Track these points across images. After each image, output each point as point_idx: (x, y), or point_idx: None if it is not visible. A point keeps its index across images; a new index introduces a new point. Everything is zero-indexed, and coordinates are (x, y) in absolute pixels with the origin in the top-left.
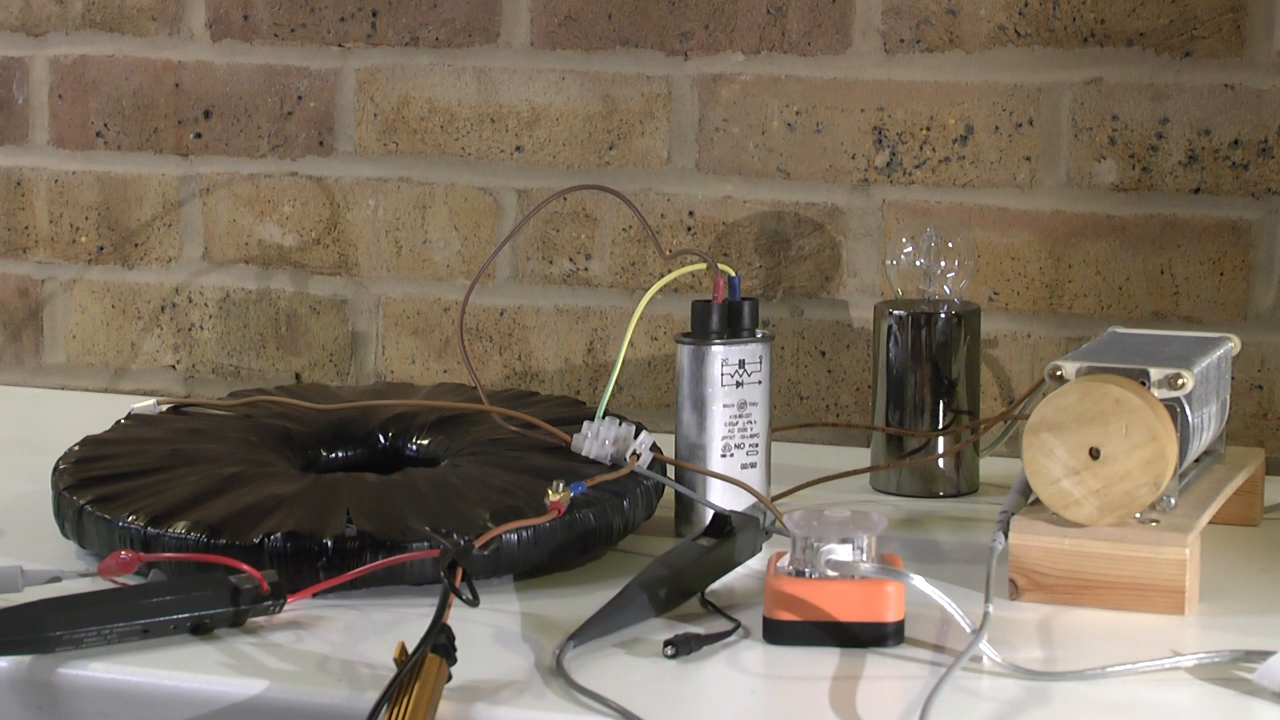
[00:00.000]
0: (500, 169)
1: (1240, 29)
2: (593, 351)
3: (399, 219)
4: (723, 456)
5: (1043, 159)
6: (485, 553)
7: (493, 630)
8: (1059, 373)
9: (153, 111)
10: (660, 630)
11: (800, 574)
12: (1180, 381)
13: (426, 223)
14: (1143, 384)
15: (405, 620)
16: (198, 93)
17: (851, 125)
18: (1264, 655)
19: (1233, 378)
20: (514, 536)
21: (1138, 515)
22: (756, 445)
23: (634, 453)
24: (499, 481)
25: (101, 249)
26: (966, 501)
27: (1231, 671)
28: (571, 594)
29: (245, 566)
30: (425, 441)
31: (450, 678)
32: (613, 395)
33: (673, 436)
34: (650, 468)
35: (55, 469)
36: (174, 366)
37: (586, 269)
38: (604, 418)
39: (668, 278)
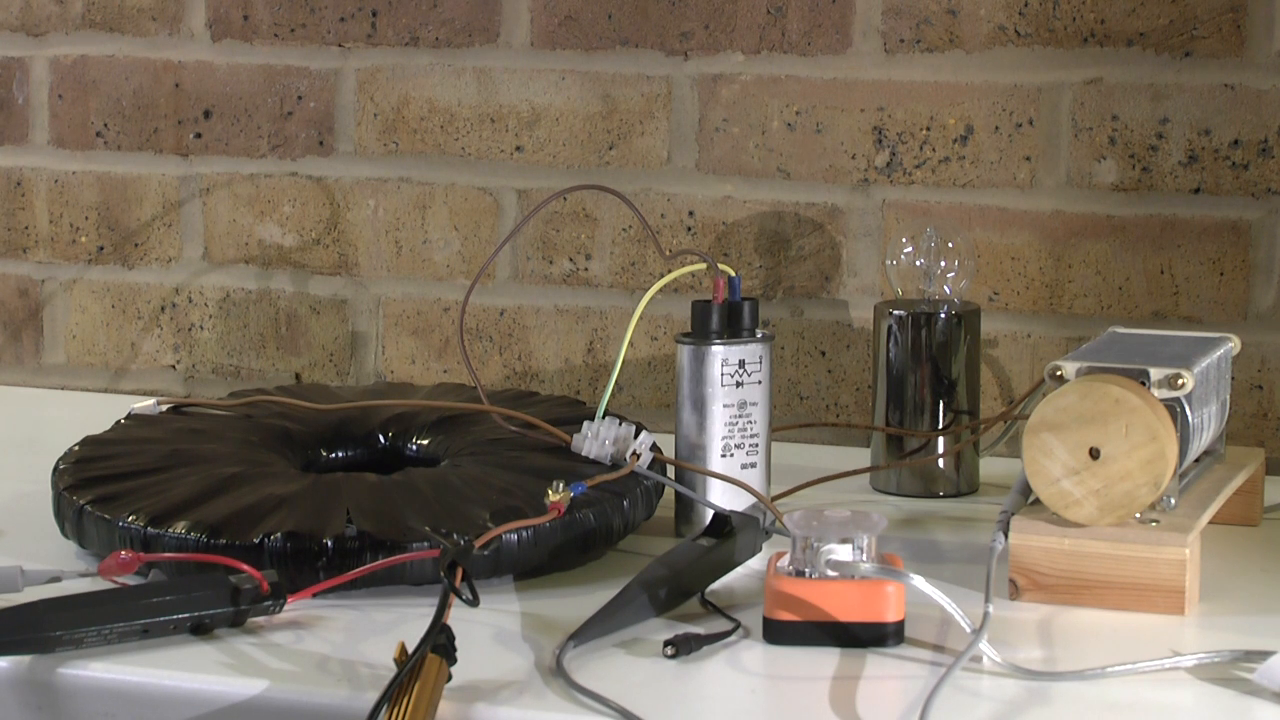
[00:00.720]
0: (500, 169)
1: (1240, 29)
2: (593, 351)
3: (399, 219)
4: (723, 456)
5: (1043, 159)
6: (485, 553)
7: (493, 630)
8: (1059, 373)
9: (153, 111)
10: (660, 630)
11: (800, 574)
12: (1180, 381)
13: (426, 223)
14: (1143, 384)
15: (405, 620)
16: (198, 93)
17: (851, 125)
18: (1264, 655)
19: (1233, 378)
20: (514, 536)
21: (1138, 515)
22: (756, 445)
23: (634, 453)
24: (499, 481)
25: (101, 249)
26: (966, 501)
27: (1231, 671)
28: (571, 594)
29: (245, 566)
30: (425, 441)
31: (450, 678)
32: (613, 395)
33: (673, 436)
34: (650, 468)
35: (55, 469)
36: (174, 366)
37: (586, 269)
38: (604, 418)
39: (668, 278)
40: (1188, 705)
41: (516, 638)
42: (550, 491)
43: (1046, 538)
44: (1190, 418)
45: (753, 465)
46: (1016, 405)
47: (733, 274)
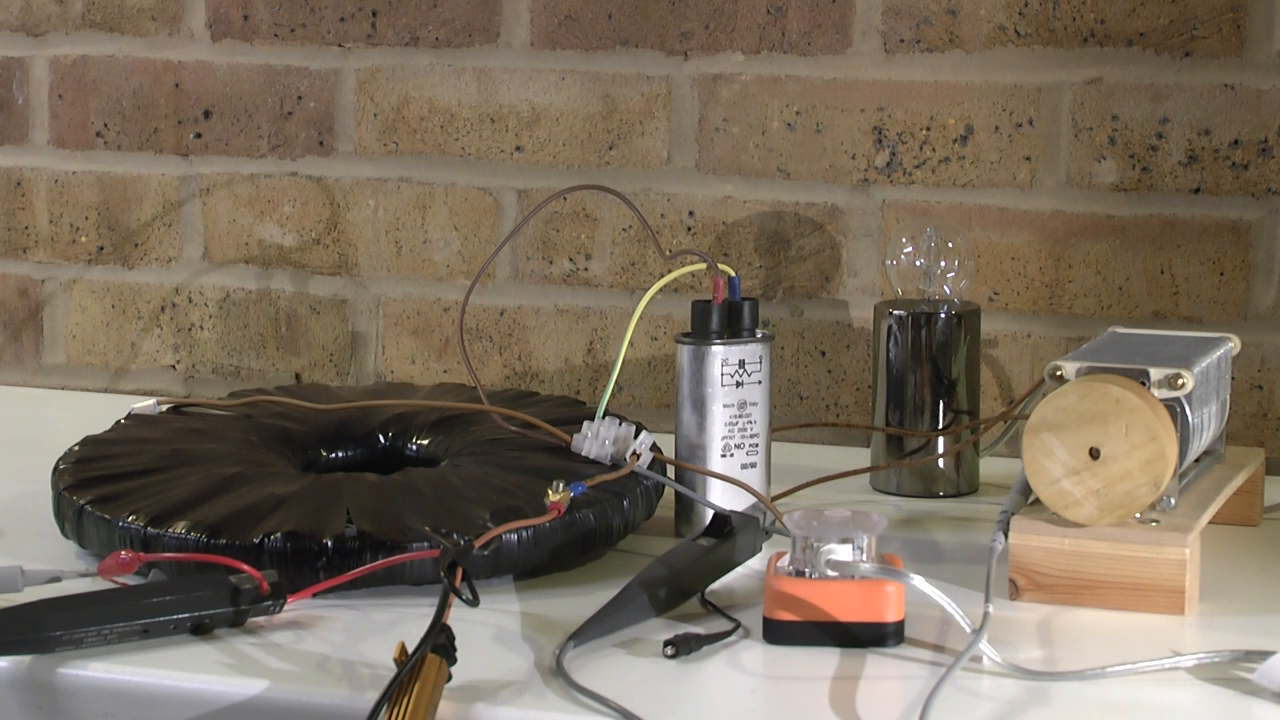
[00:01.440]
0: (500, 169)
1: (1240, 29)
2: (593, 351)
3: (399, 219)
4: (723, 456)
5: (1043, 159)
6: (485, 553)
7: (493, 630)
8: (1059, 373)
9: (153, 111)
10: (660, 630)
11: (800, 574)
12: (1180, 381)
13: (426, 223)
14: (1143, 384)
15: (405, 620)
16: (198, 93)
17: (851, 125)
18: (1264, 655)
19: (1233, 378)
20: (514, 536)
21: (1138, 515)
22: (756, 445)
23: (634, 453)
24: (499, 481)
25: (101, 249)
26: (966, 501)
27: (1231, 671)
28: (571, 594)
29: (245, 566)
30: (425, 441)
31: (450, 678)
32: (613, 395)
33: (673, 436)
34: (650, 468)
35: (55, 469)
36: (174, 366)
37: (586, 269)
38: (604, 418)
39: (668, 278)
40: (1188, 705)
41: (516, 638)
42: (550, 491)
43: (1046, 538)
44: (1190, 418)
45: (753, 465)
46: (1016, 405)
47: (733, 274)
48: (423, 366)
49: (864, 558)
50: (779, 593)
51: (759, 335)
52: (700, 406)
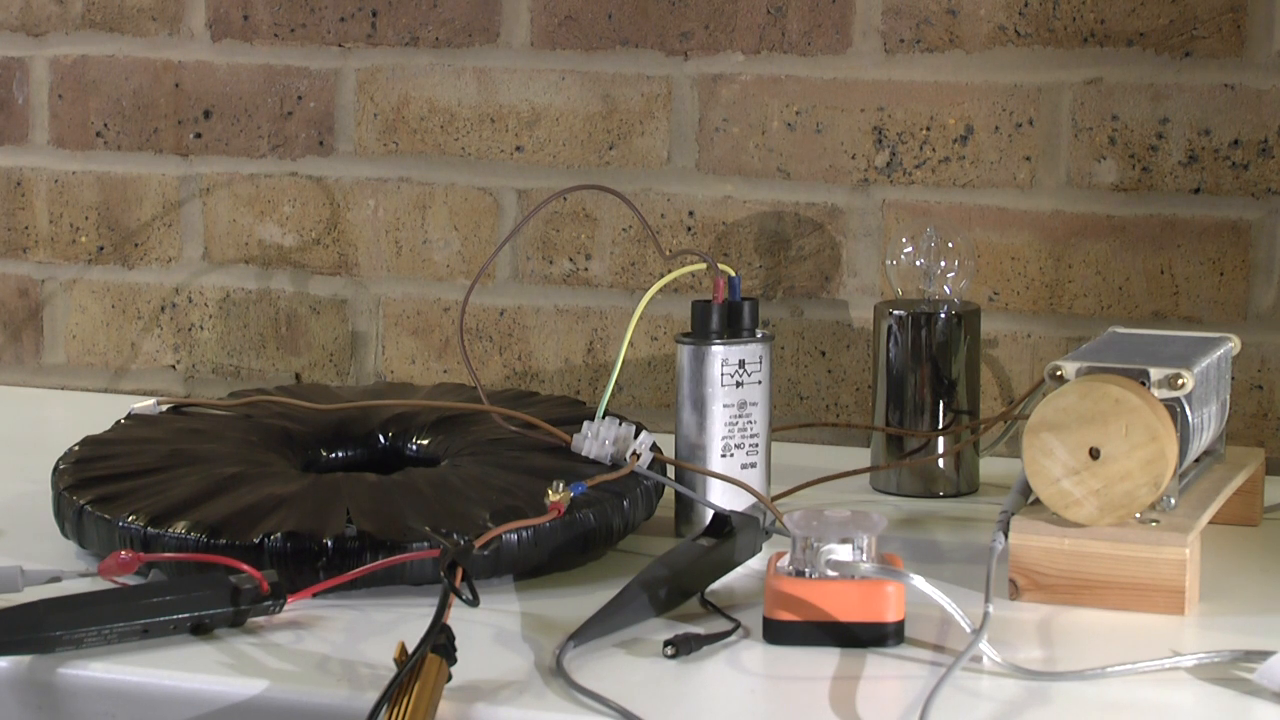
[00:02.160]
0: (500, 169)
1: (1240, 29)
2: (593, 351)
3: (399, 219)
4: (723, 456)
5: (1043, 159)
6: (485, 553)
7: (493, 630)
8: (1059, 373)
9: (153, 111)
10: (660, 630)
11: (800, 574)
12: (1180, 381)
13: (426, 223)
14: (1143, 384)
15: (405, 620)
16: (198, 93)
17: (851, 125)
18: (1264, 655)
19: (1233, 378)
20: (514, 536)
21: (1138, 515)
22: (756, 445)
23: (634, 453)
24: (499, 481)
25: (101, 249)
26: (966, 501)
27: (1231, 671)
28: (571, 594)
29: (245, 566)
30: (425, 441)
31: (450, 678)
32: (613, 395)
33: (673, 436)
34: (650, 468)
35: (55, 469)
36: (174, 366)
37: (586, 269)
38: (604, 418)
39: (668, 278)
40: (1188, 705)
41: (516, 638)
42: (550, 491)
43: (1046, 538)
44: (1190, 418)
45: (753, 465)
46: (1016, 405)
47: (733, 274)
48: (423, 366)
49: (864, 558)
50: (779, 593)
51: (759, 335)
52: (700, 406)
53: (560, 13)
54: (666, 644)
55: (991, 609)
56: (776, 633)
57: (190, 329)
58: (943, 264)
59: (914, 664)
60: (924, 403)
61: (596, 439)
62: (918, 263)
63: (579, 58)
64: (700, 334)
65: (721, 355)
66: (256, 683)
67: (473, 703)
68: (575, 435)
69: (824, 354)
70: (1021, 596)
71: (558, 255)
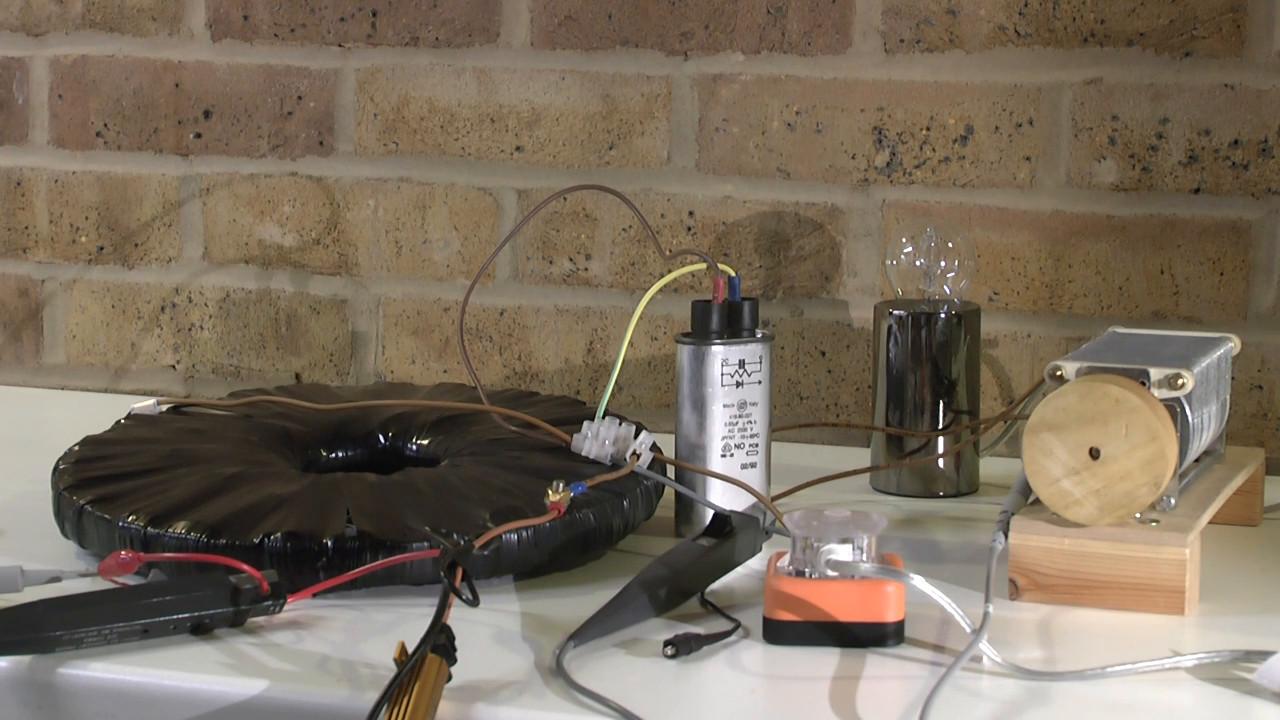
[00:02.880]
0: (500, 169)
1: (1240, 29)
2: (593, 351)
3: (399, 219)
4: (723, 456)
5: (1043, 159)
6: (485, 553)
7: (493, 630)
8: (1059, 373)
9: (153, 111)
10: (660, 630)
11: (800, 574)
12: (1180, 381)
13: (426, 223)
14: (1143, 384)
15: (405, 620)
16: (198, 93)
17: (851, 125)
18: (1264, 655)
19: (1233, 378)
20: (514, 536)
21: (1138, 515)
22: (756, 445)
23: (634, 453)
24: (499, 481)
25: (101, 249)
26: (966, 501)
27: (1231, 671)
28: (571, 594)
29: (245, 566)
30: (425, 441)
31: (450, 678)
32: (613, 395)
33: (673, 436)
34: (650, 468)
35: (55, 469)
36: (174, 366)
37: (586, 269)
38: (604, 418)
39: (668, 278)
40: (1188, 705)
41: (516, 638)
42: (550, 491)
43: (1046, 538)
44: (1190, 418)
45: (753, 465)
46: (1016, 405)
47: (733, 274)
48: (423, 366)
49: (864, 558)
50: (779, 593)
51: (759, 335)
52: (700, 406)
53: (560, 13)
54: (666, 644)
55: (991, 609)
56: (776, 633)
57: (190, 329)
58: (943, 264)
59: (914, 664)
60: (924, 403)
61: (596, 439)
62: (918, 263)
63: (579, 58)
64: (700, 334)
65: (721, 355)
66: (256, 683)
67: (473, 703)
68: (575, 435)
69: (824, 354)
70: (1021, 596)
71: (558, 255)
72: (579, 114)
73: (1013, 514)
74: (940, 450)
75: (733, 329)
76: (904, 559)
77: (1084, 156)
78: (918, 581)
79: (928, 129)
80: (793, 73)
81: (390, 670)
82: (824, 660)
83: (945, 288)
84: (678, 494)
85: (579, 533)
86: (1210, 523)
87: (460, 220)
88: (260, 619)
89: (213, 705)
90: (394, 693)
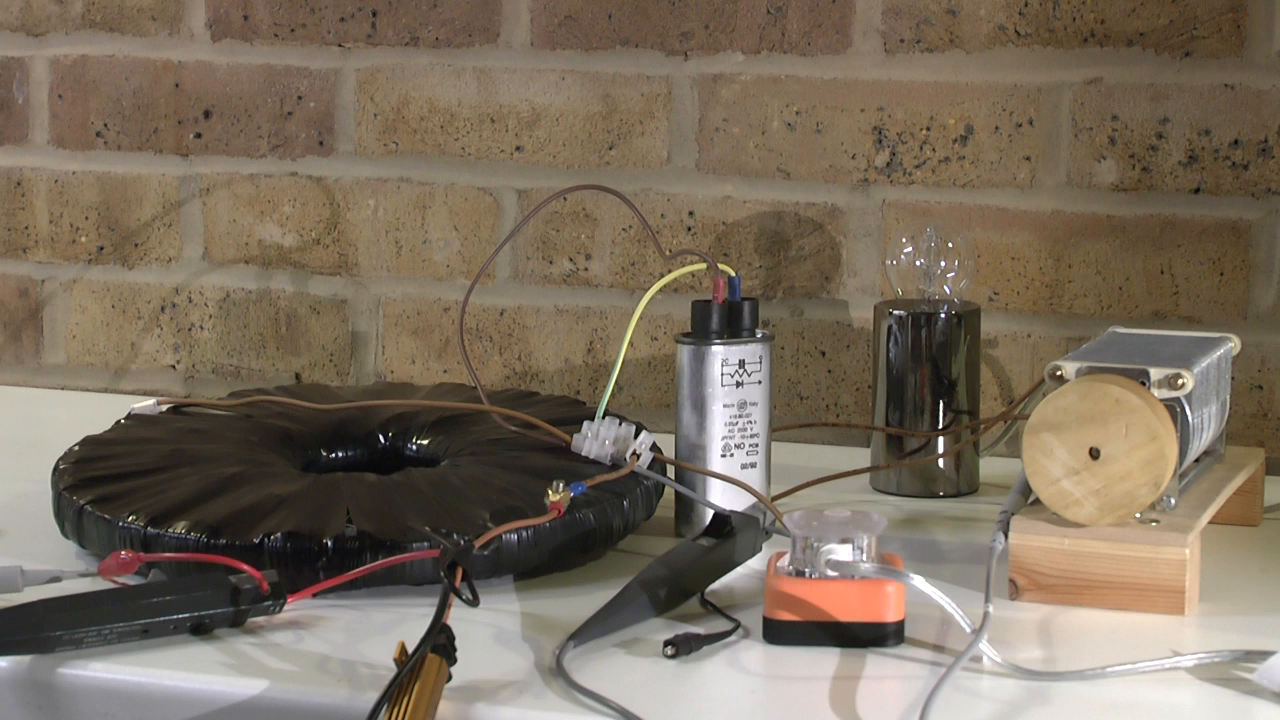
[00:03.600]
0: (500, 169)
1: (1240, 29)
2: (593, 351)
3: (399, 219)
4: (723, 456)
5: (1043, 159)
6: (485, 553)
7: (493, 630)
8: (1059, 373)
9: (153, 111)
10: (660, 630)
11: (800, 574)
12: (1180, 381)
13: (426, 223)
14: (1143, 384)
15: (405, 620)
16: (198, 93)
17: (851, 125)
18: (1264, 655)
19: (1233, 378)
20: (514, 536)
21: (1138, 515)
22: (756, 445)
23: (634, 453)
24: (499, 481)
25: (101, 249)
26: (966, 501)
27: (1231, 671)
28: (571, 594)
29: (245, 566)
30: (425, 441)
31: (450, 678)
32: (613, 395)
33: (673, 436)
34: (650, 468)
35: (55, 469)
36: (174, 366)
37: (586, 269)
38: (604, 418)
39: (668, 278)
40: (1188, 705)
41: (516, 638)
42: (550, 491)
43: (1046, 538)
44: (1190, 418)
45: (753, 465)
46: (1016, 405)
47: (733, 274)
48: (423, 366)
49: (864, 558)
50: (779, 593)
51: (759, 335)
52: (700, 406)
53: (560, 13)
54: (666, 644)
55: (991, 609)
56: (776, 633)
57: (190, 329)
58: (943, 264)
59: (914, 664)
60: (924, 403)
61: (596, 439)
62: (918, 263)
63: (579, 58)
64: (700, 334)
65: (721, 355)
66: (256, 683)
67: (473, 703)
68: (575, 435)
69: (824, 354)
70: (1021, 596)
71: (558, 255)
72: (579, 114)
73: (1013, 514)
74: (940, 450)
75: (733, 329)
76: (904, 559)
77: (1084, 156)
78: (918, 581)
79: (928, 129)
80: (793, 73)
81: (390, 670)
82: (824, 660)
83: (945, 288)
84: (678, 494)
85: (579, 533)
86: (1210, 523)
87: (460, 220)
88: (260, 619)
89: (213, 705)
90: (394, 693)
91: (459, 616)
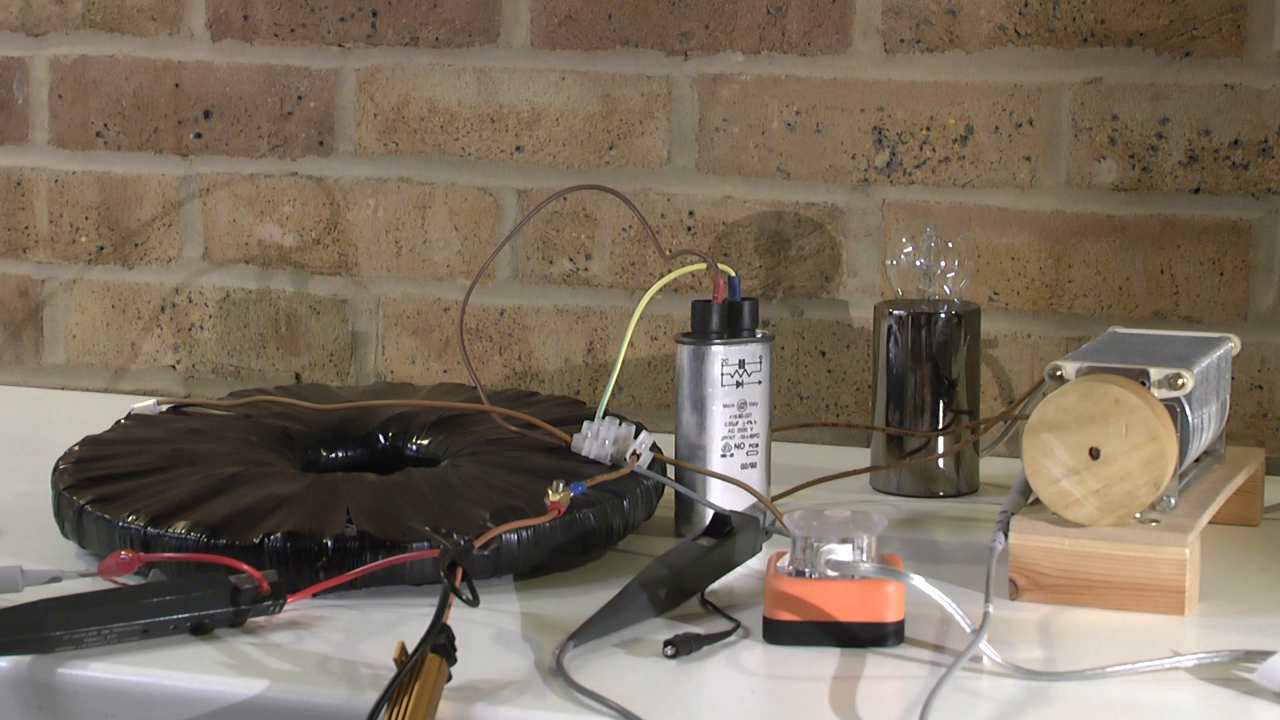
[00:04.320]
0: (500, 169)
1: (1240, 29)
2: (593, 351)
3: (399, 219)
4: (723, 456)
5: (1043, 159)
6: (485, 553)
7: (493, 630)
8: (1059, 373)
9: (153, 111)
10: (660, 630)
11: (800, 574)
12: (1180, 381)
13: (426, 223)
14: (1143, 384)
15: (405, 620)
16: (198, 93)
17: (851, 125)
18: (1264, 655)
19: (1233, 378)
20: (514, 536)
21: (1138, 515)
22: (756, 445)
23: (634, 453)
24: (499, 481)
25: (101, 249)
26: (966, 501)
27: (1231, 671)
28: (571, 594)
29: (245, 566)
30: (425, 441)
31: (450, 678)
32: (613, 395)
33: (673, 436)
34: (650, 468)
35: (55, 469)
36: (174, 366)
37: (586, 269)
38: (604, 418)
39: (668, 278)
40: (1188, 705)
41: (516, 638)
42: (550, 491)
43: (1046, 538)
44: (1190, 418)
45: (753, 465)
46: (1016, 405)
47: (733, 274)
48: (423, 366)
49: (864, 558)
50: (779, 593)
51: (759, 335)
52: (700, 406)
53: (560, 13)
54: (666, 644)
55: (991, 609)
56: (776, 633)
57: (190, 329)
58: (943, 264)
59: (914, 664)
60: (924, 403)
61: (596, 439)
62: (918, 263)
63: (579, 58)
64: (700, 334)
65: (721, 355)
66: (256, 683)
67: (473, 703)
68: (575, 435)
69: (824, 354)
70: (1021, 596)
71: (558, 255)
72: (579, 114)
73: (1013, 514)
74: (940, 450)
75: (733, 329)
76: (904, 559)
77: (1084, 156)
78: (918, 581)
79: (928, 129)
80: (793, 73)
81: (390, 670)
82: (824, 660)
83: (945, 288)
84: (678, 494)
85: (579, 533)
86: (1210, 523)
87: (460, 220)
88: (260, 619)
89: (213, 705)
90: (394, 693)
91: (459, 616)
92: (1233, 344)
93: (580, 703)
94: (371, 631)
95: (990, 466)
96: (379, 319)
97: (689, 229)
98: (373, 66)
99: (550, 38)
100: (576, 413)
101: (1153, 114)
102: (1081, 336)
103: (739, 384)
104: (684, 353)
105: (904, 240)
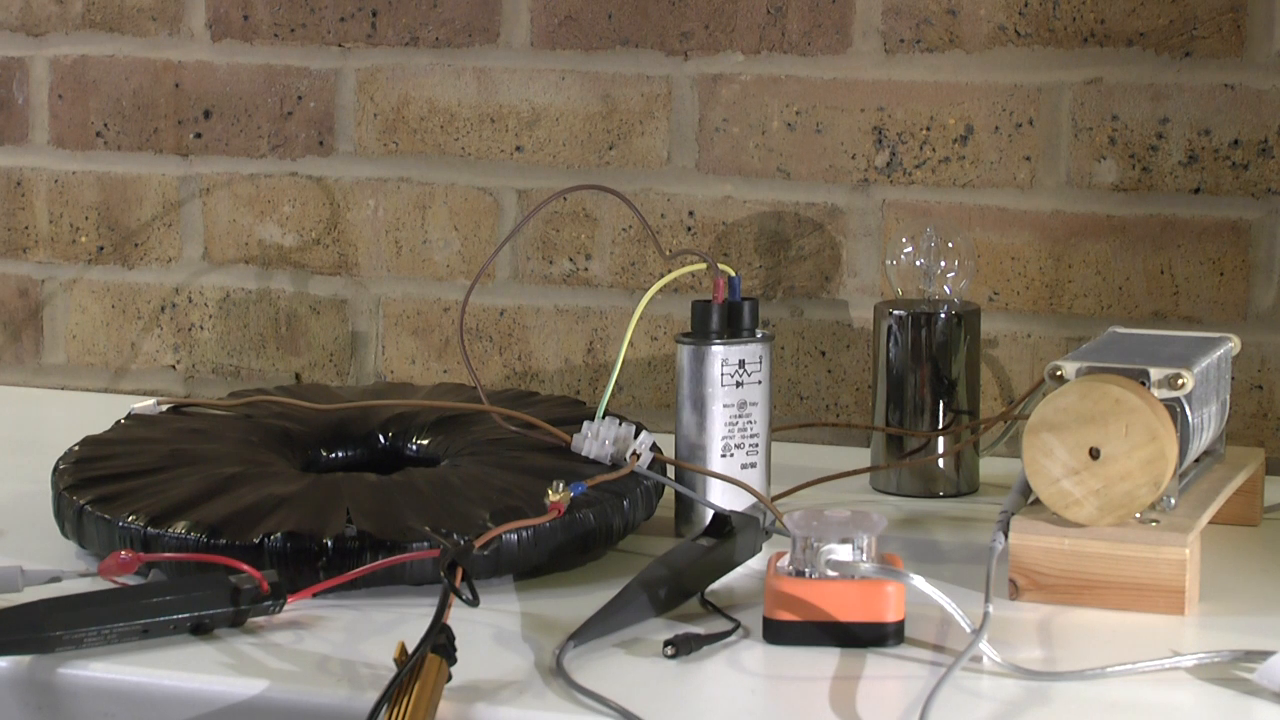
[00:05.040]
0: (500, 169)
1: (1240, 29)
2: (593, 351)
3: (399, 219)
4: (723, 456)
5: (1043, 159)
6: (485, 553)
7: (493, 630)
8: (1059, 373)
9: (153, 111)
10: (660, 630)
11: (800, 574)
12: (1180, 381)
13: (426, 223)
14: (1143, 384)
15: (405, 620)
16: (198, 93)
17: (851, 125)
18: (1264, 655)
19: (1233, 378)
20: (514, 536)
21: (1138, 515)
22: (756, 445)
23: (634, 453)
24: (499, 481)
25: (101, 249)
26: (966, 501)
27: (1231, 671)
28: (571, 594)
29: (245, 566)
30: (425, 441)
31: (450, 678)
32: (613, 395)
33: (673, 436)
34: (650, 468)
35: (55, 469)
36: (174, 366)
37: (586, 269)
38: (604, 418)
39: (668, 278)
40: (1188, 705)
41: (516, 638)
42: (550, 491)
43: (1046, 538)
44: (1190, 418)
45: (753, 465)
46: (1016, 405)
47: (733, 274)
48: (423, 366)
49: (864, 558)
50: (779, 593)
51: (759, 335)
52: (700, 406)
53: (560, 13)
54: (666, 644)
55: (991, 609)
56: (776, 633)
57: (190, 329)
58: (943, 264)
59: (914, 664)
60: (924, 403)
61: (596, 439)
62: (918, 263)
63: (579, 58)
64: (700, 334)
65: (721, 355)
66: (256, 683)
67: (473, 703)
68: (575, 435)
69: (824, 354)
70: (1021, 596)
71: (558, 255)
72: (579, 114)
73: (1013, 514)
74: (940, 450)
75: (733, 329)
76: (904, 559)
77: (1084, 156)
78: (918, 581)
79: (928, 129)
80: (793, 73)
81: (390, 670)
82: (824, 660)
83: (945, 288)
84: (678, 494)
85: (579, 533)
86: (1210, 523)
87: (460, 220)
88: (260, 619)
89: (213, 705)
90: (394, 693)
91: (459, 616)
92: (1233, 344)
93: (580, 703)
94: (371, 631)
95: (990, 466)
96: (379, 319)
97: (689, 229)
98: (373, 66)
99: (550, 38)
100: (576, 413)
101: (1153, 114)
102: (1081, 336)
103: (739, 384)
104: (684, 353)
105: (904, 240)
